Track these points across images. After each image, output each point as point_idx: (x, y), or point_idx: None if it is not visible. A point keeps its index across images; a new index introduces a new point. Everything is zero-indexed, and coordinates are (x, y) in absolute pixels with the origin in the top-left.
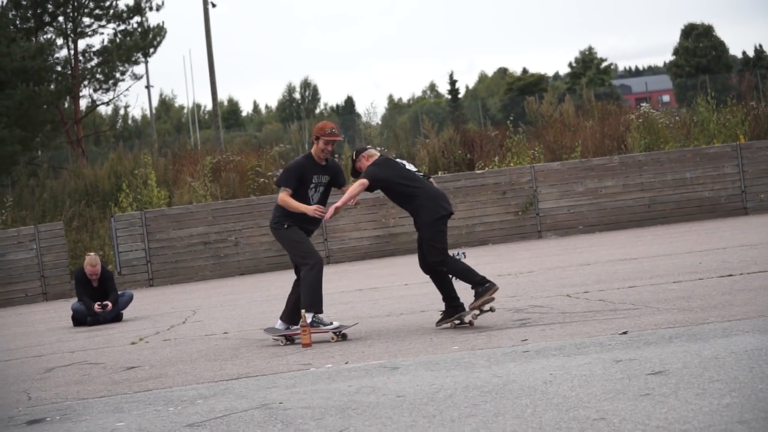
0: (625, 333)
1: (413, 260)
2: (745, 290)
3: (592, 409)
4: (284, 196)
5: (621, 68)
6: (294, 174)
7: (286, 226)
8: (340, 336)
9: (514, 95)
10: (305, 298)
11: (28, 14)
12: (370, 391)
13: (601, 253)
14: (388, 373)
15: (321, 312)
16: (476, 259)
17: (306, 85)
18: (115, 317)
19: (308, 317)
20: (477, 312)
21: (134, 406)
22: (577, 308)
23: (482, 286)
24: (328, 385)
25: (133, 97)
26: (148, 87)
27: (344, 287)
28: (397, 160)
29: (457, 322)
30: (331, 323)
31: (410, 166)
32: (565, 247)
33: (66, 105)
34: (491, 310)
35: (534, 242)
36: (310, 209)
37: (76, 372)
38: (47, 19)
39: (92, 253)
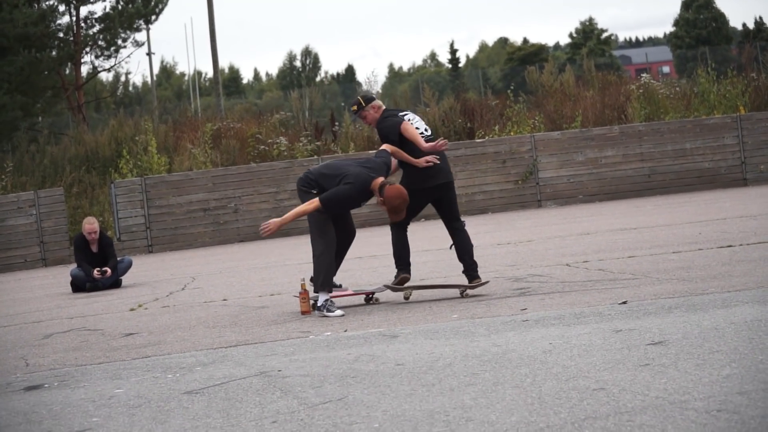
0: (624, 303)
1: (413, 228)
2: (745, 261)
3: (592, 379)
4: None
5: (621, 39)
6: None
7: (315, 192)
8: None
9: (514, 65)
10: (317, 278)
11: None
12: (369, 360)
13: (601, 223)
14: (388, 342)
15: (331, 291)
16: (476, 227)
17: (307, 53)
18: (114, 283)
19: (321, 298)
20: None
21: (132, 373)
22: (576, 278)
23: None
24: (327, 353)
25: (134, 64)
26: (149, 54)
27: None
28: (407, 116)
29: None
30: (336, 311)
31: (417, 124)
32: (564, 217)
33: (67, 71)
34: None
35: (534, 211)
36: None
37: (74, 338)
38: None
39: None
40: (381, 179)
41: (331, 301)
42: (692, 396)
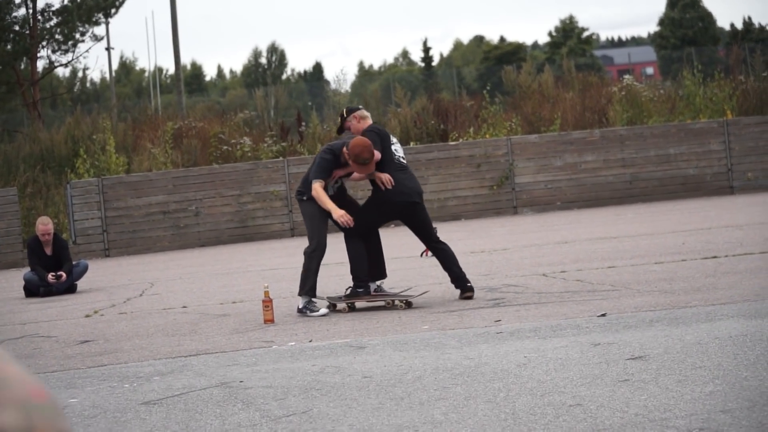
0: (603, 315)
1: (382, 234)
2: (730, 273)
3: (568, 395)
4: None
5: (603, 38)
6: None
7: (305, 198)
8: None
9: (490, 64)
10: (301, 280)
11: None
12: (334, 371)
13: (580, 231)
14: (354, 353)
15: (314, 296)
16: (448, 234)
17: (273, 50)
18: (69, 288)
19: (300, 302)
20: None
21: (88, 382)
22: (553, 288)
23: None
24: (291, 364)
25: (92, 59)
26: (108, 49)
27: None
28: (391, 137)
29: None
30: (320, 310)
31: (396, 147)
32: (542, 224)
33: (22, 66)
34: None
35: (509, 218)
36: (337, 213)
37: (27, 345)
38: None
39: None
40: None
41: (313, 302)
42: (673, 413)
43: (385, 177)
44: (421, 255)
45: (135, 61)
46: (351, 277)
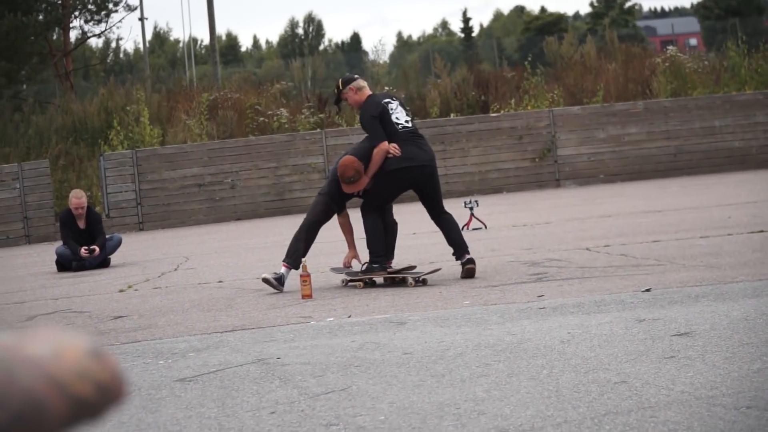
0: (648, 290)
1: (422, 207)
2: None
3: (613, 372)
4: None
5: (645, 9)
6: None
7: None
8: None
9: (531, 35)
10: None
11: None
12: (374, 348)
13: (624, 205)
14: (394, 329)
15: (295, 267)
16: (490, 207)
17: (310, 20)
18: (103, 262)
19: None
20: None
21: (121, 358)
22: (597, 263)
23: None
24: (329, 340)
25: (126, 29)
26: (141, 19)
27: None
28: (386, 101)
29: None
30: (278, 287)
31: (397, 114)
32: (584, 197)
33: (55, 36)
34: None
35: (552, 191)
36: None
37: (59, 321)
38: None
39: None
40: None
41: (284, 276)
42: (720, 391)
43: (392, 146)
44: (462, 229)
45: (169, 31)
46: (368, 252)
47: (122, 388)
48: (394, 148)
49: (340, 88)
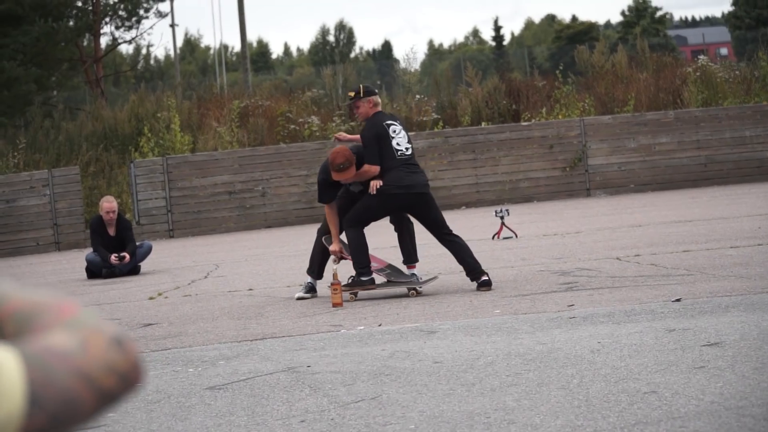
0: (678, 300)
1: (453, 216)
2: None
3: (643, 382)
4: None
5: (676, 18)
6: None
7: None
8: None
9: (562, 44)
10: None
11: None
12: (404, 356)
13: (654, 214)
14: (425, 338)
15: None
16: (520, 217)
17: (341, 27)
18: (133, 270)
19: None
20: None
21: (151, 366)
22: (627, 272)
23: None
24: (359, 349)
25: (156, 36)
26: (172, 26)
27: (377, 244)
28: (389, 123)
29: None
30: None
31: (399, 139)
32: (615, 207)
33: (85, 43)
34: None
35: (582, 201)
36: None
37: None
38: None
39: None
40: None
41: (309, 284)
42: (750, 402)
43: (376, 183)
44: (493, 238)
45: (200, 38)
46: (353, 265)
47: (141, 375)
48: (377, 184)
49: (360, 95)
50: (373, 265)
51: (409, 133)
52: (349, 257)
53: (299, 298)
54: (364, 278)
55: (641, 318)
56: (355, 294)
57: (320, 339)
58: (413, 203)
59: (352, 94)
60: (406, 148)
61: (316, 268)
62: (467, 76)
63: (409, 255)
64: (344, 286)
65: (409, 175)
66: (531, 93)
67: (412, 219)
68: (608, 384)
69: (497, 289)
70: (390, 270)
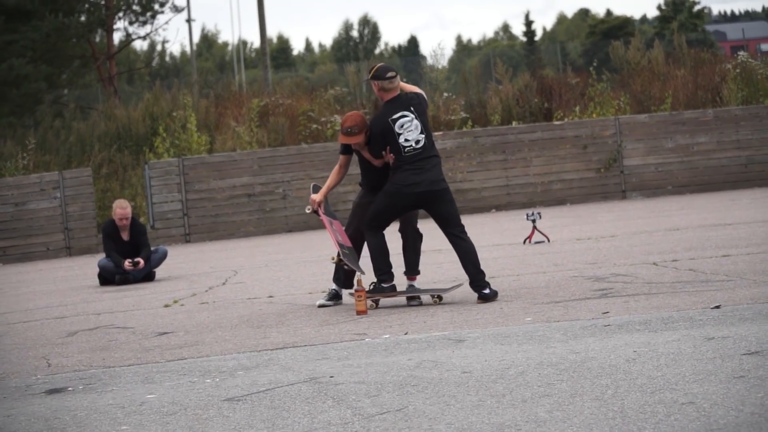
0: (717, 307)
1: (482, 219)
2: None
3: (680, 392)
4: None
5: (715, 12)
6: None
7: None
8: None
9: (596, 39)
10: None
11: None
12: (432, 366)
13: (692, 218)
14: (453, 347)
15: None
16: (552, 220)
17: (365, 22)
18: (147, 276)
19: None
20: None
21: (166, 377)
22: (664, 278)
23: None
24: (384, 358)
25: (172, 31)
26: (189, 21)
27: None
28: (398, 116)
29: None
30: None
31: (408, 134)
32: (652, 210)
33: (98, 39)
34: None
35: (617, 203)
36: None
37: (102, 337)
38: None
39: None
40: None
41: (332, 291)
42: None
43: (387, 157)
44: (524, 242)
45: (218, 33)
46: (374, 272)
47: None
48: (389, 157)
49: (374, 77)
50: (339, 238)
51: (433, 133)
52: (326, 218)
53: (321, 306)
54: (384, 285)
55: (679, 326)
56: (376, 302)
57: (344, 348)
58: (423, 201)
59: (369, 73)
60: (417, 141)
61: (342, 276)
62: (497, 73)
63: (411, 266)
64: (368, 292)
65: (417, 173)
66: (564, 91)
67: (423, 230)
68: (644, 395)
69: (529, 295)
70: (348, 251)
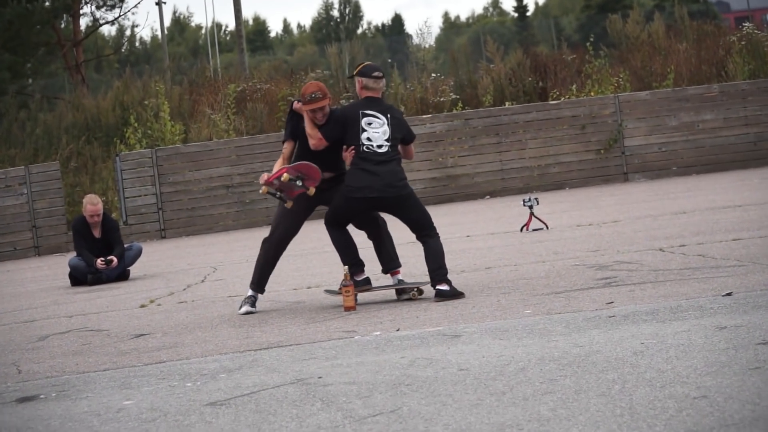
0: (729, 294)
1: (476, 207)
2: None
3: (692, 386)
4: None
5: None
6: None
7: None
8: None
9: (592, 13)
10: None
11: None
12: (426, 364)
13: (699, 200)
14: (448, 342)
15: (259, 292)
16: (551, 206)
17: (346, 1)
18: (121, 275)
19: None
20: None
21: (144, 381)
22: (671, 265)
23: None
24: (376, 357)
25: (142, 15)
26: (159, 3)
27: (395, 239)
28: (367, 113)
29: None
30: (243, 308)
31: (372, 134)
32: (656, 192)
33: (63, 25)
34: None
35: (619, 186)
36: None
37: (74, 340)
38: None
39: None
40: None
41: (249, 298)
42: None
43: (346, 154)
44: (521, 230)
45: (190, 16)
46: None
47: None
48: (349, 155)
49: (360, 73)
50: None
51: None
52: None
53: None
54: (357, 278)
55: (688, 315)
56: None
57: (332, 347)
58: (382, 206)
59: (356, 68)
60: (379, 146)
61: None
62: (488, 52)
63: (390, 260)
64: (330, 290)
65: (370, 175)
66: (559, 68)
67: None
68: (653, 389)
69: (528, 286)
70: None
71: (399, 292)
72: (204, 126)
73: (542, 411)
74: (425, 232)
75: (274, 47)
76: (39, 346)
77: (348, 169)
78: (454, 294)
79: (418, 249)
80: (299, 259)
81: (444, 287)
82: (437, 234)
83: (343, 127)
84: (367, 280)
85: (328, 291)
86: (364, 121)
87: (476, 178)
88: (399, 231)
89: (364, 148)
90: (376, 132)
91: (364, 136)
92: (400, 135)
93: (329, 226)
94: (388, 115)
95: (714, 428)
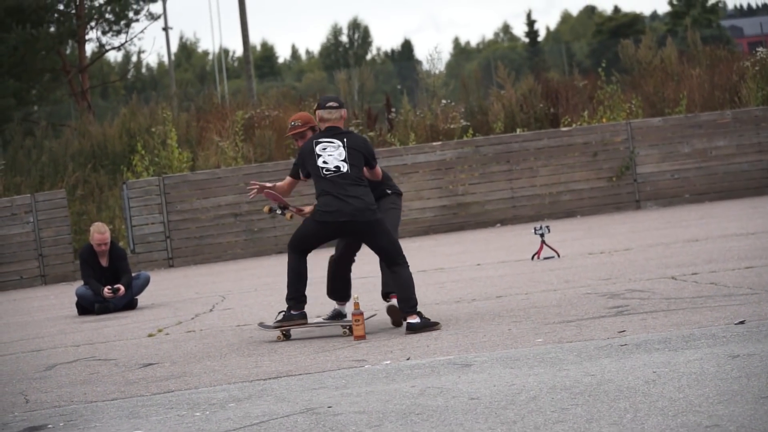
0: (742, 323)
1: (487, 235)
2: None
3: (704, 414)
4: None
5: (730, 6)
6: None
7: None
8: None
9: (604, 38)
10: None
11: None
12: (437, 393)
13: (712, 227)
14: (459, 372)
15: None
16: (562, 234)
17: (355, 26)
18: (128, 304)
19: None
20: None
21: (153, 411)
22: (684, 293)
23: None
24: (386, 386)
25: (148, 41)
26: (166, 29)
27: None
28: (319, 141)
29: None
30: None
31: (327, 156)
32: (668, 220)
33: (69, 51)
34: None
35: (631, 214)
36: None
37: (82, 370)
38: None
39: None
40: None
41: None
42: None
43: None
44: (532, 258)
45: (197, 42)
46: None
47: None
48: (254, 185)
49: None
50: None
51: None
52: (279, 203)
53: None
54: (294, 313)
55: (701, 343)
56: (286, 334)
57: (342, 376)
58: (351, 232)
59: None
60: (336, 167)
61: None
62: (498, 77)
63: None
64: (274, 322)
65: (339, 199)
66: (571, 94)
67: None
68: (666, 418)
69: (539, 315)
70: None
71: (332, 318)
72: (212, 153)
73: None
74: (397, 260)
75: (282, 73)
76: (46, 376)
77: (317, 196)
78: (426, 325)
79: (442, 276)
80: (308, 287)
81: (414, 320)
82: (407, 263)
83: (302, 159)
84: (303, 315)
85: (261, 325)
86: (318, 148)
87: (487, 206)
88: (363, 262)
89: (324, 171)
90: (330, 155)
91: (320, 161)
92: (361, 157)
93: (292, 249)
94: (344, 139)
95: None
